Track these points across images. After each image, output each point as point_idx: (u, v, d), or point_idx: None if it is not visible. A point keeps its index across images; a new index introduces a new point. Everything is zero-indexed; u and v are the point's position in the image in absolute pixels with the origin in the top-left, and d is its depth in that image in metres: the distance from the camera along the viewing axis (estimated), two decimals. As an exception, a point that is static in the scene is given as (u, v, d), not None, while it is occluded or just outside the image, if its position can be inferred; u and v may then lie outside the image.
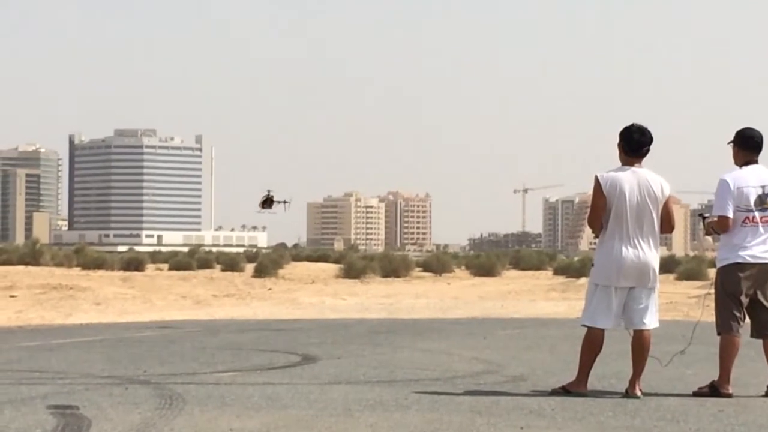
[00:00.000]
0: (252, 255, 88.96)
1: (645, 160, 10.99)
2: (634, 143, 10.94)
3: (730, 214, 10.88)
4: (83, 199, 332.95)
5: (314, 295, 39.96)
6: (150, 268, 73.09)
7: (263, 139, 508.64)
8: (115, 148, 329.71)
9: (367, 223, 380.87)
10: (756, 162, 11.09)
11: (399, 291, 45.11)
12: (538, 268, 77.00)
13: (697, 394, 10.86)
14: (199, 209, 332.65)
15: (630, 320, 10.89)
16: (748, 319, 11.00)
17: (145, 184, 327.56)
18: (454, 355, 15.08)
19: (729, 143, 11.16)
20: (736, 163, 11.11)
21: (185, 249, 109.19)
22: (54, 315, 28.03)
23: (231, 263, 72.93)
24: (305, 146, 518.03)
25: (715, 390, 10.81)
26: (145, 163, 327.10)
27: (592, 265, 11.00)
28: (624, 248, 10.77)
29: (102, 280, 51.06)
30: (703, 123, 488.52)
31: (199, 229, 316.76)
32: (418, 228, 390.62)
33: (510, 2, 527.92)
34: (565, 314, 27.40)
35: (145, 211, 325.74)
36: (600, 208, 10.85)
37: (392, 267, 64.36)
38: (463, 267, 74.49)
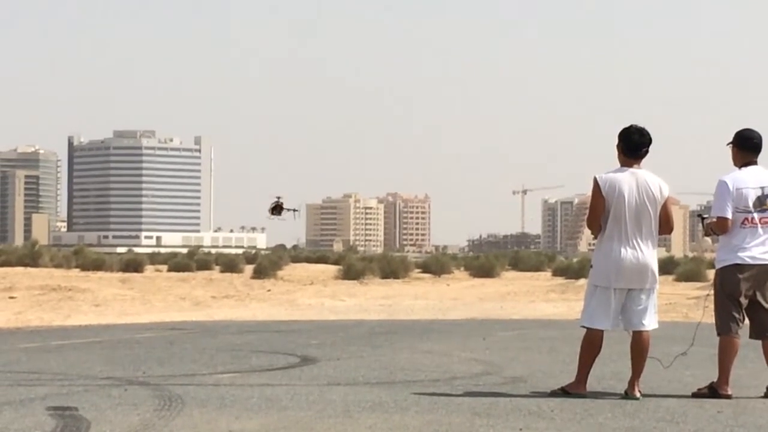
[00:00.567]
0: (251, 256, 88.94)
1: (644, 161, 10.98)
2: (633, 144, 10.93)
3: (729, 216, 10.87)
4: (82, 201, 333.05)
5: (313, 297, 39.97)
6: (149, 269, 73.16)
7: (262, 140, 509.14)
8: (114, 150, 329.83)
9: (366, 224, 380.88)
10: (755, 163, 11.07)
11: (398, 292, 45.11)
12: (537, 270, 77.08)
13: (696, 395, 10.85)
14: (198, 210, 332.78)
15: (629, 321, 10.87)
16: (747, 321, 10.99)
17: (144, 186, 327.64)
18: (453, 356, 15.08)
19: (728, 144, 11.15)
20: (736, 165, 11.09)
21: (184, 250, 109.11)
22: (53, 316, 28.05)
23: (230, 264, 72.97)
24: (304, 147, 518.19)
25: (714, 391, 10.80)
26: (144, 165, 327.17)
27: (591, 266, 10.98)
28: (623, 249, 10.76)
29: (101, 281, 51.12)
30: (703, 124, 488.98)
31: (198, 231, 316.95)
32: (417, 229, 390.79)
33: (510, 2, 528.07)
34: (564, 315, 27.42)
35: (144, 213, 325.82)
36: (599, 210, 10.84)
37: (391, 268, 64.38)
38: (462, 268, 74.49)
